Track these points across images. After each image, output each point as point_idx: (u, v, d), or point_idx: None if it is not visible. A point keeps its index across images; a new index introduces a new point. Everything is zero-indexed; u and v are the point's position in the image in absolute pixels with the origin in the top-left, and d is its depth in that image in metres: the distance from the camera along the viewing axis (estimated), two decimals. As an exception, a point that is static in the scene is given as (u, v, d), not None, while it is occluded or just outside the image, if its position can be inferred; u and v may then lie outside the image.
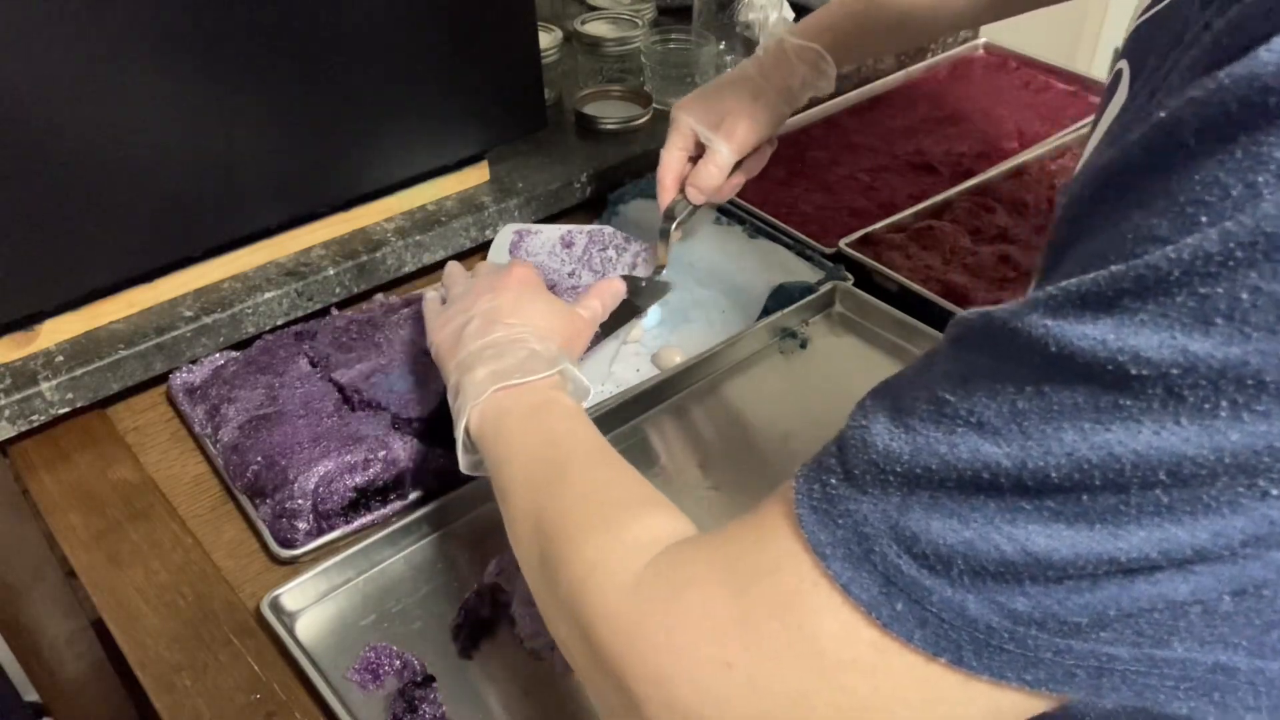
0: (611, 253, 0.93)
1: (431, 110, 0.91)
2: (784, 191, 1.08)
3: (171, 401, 0.84)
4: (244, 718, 0.63)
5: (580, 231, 0.96)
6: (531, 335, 0.65)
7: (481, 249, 1.00)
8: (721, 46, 1.16)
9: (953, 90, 1.26)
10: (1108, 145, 0.40)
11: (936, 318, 0.91)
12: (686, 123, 0.86)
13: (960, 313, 0.37)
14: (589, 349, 0.79)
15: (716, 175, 0.85)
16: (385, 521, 0.73)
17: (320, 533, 0.72)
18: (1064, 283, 0.31)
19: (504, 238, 0.98)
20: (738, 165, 0.87)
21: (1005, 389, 0.32)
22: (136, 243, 0.81)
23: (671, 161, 0.87)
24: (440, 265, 0.94)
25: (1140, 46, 0.43)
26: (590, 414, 0.80)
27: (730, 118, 0.84)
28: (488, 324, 0.66)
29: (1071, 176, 0.49)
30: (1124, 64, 0.44)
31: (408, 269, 0.94)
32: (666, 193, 0.87)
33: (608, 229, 0.95)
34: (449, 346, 0.67)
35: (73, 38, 0.70)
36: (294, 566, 0.71)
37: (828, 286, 0.93)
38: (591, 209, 1.06)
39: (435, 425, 0.75)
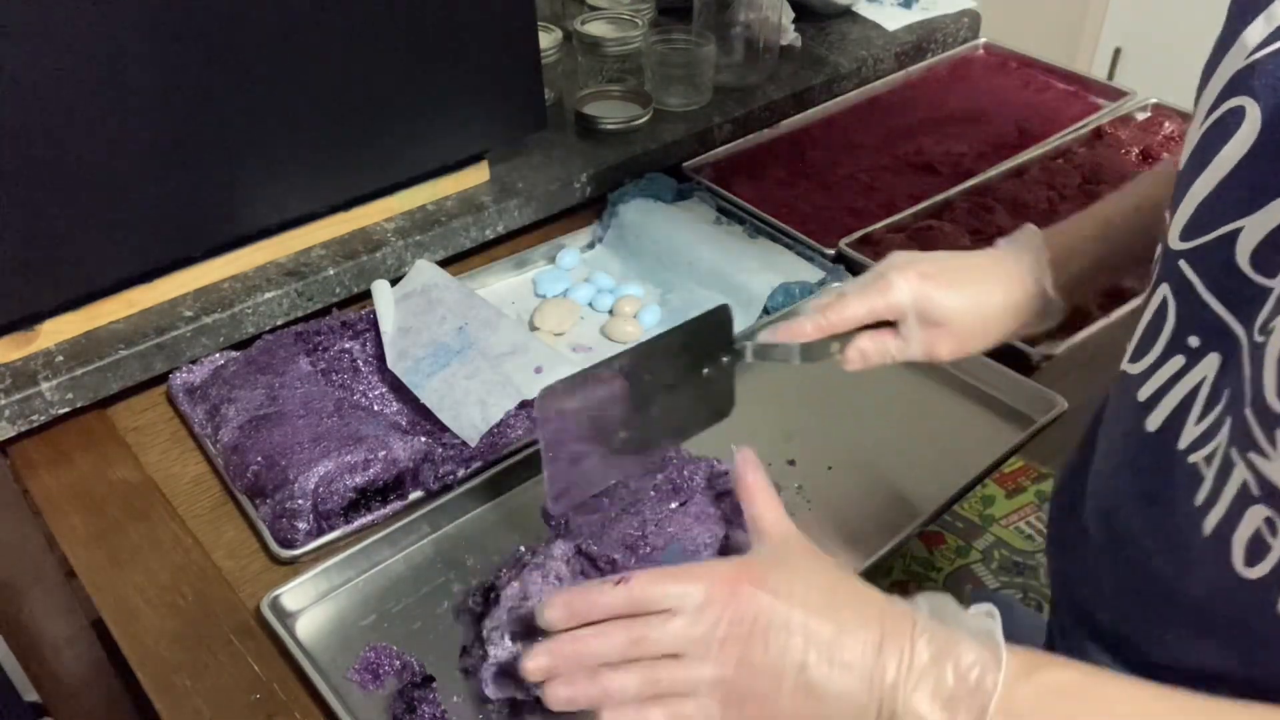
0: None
1: (431, 110, 0.91)
2: (784, 191, 1.08)
3: (171, 401, 0.84)
4: (244, 718, 0.63)
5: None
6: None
7: (482, 249, 1.00)
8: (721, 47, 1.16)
9: (953, 90, 1.26)
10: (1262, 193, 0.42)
11: (936, 318, 0.91)
12: (900, 293, 0.63)
13: None
14: None
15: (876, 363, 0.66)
16: (385, 521, 0.73)
17: (320, 533, 0.72)
18: None
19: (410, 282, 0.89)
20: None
21: None
22: (136, 243, 0.81)
23: (856, 314, 0.64)
24: (440, 265, 0.94)
25: (1272, 83, 0.43)
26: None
27: (953, 326, 0.64)
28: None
29: (1165, 222, 0.47)
30: (1245, 100, 0.44)
31: (408, 269, 0.94)
32: (808, 330, 0.64)
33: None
34: None
35: (73, 38, 0.70)
36: (294, 567, 0.71)
37: (828, 287, 0.93)
38: (591, 209, 1.06)
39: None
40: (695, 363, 0.65)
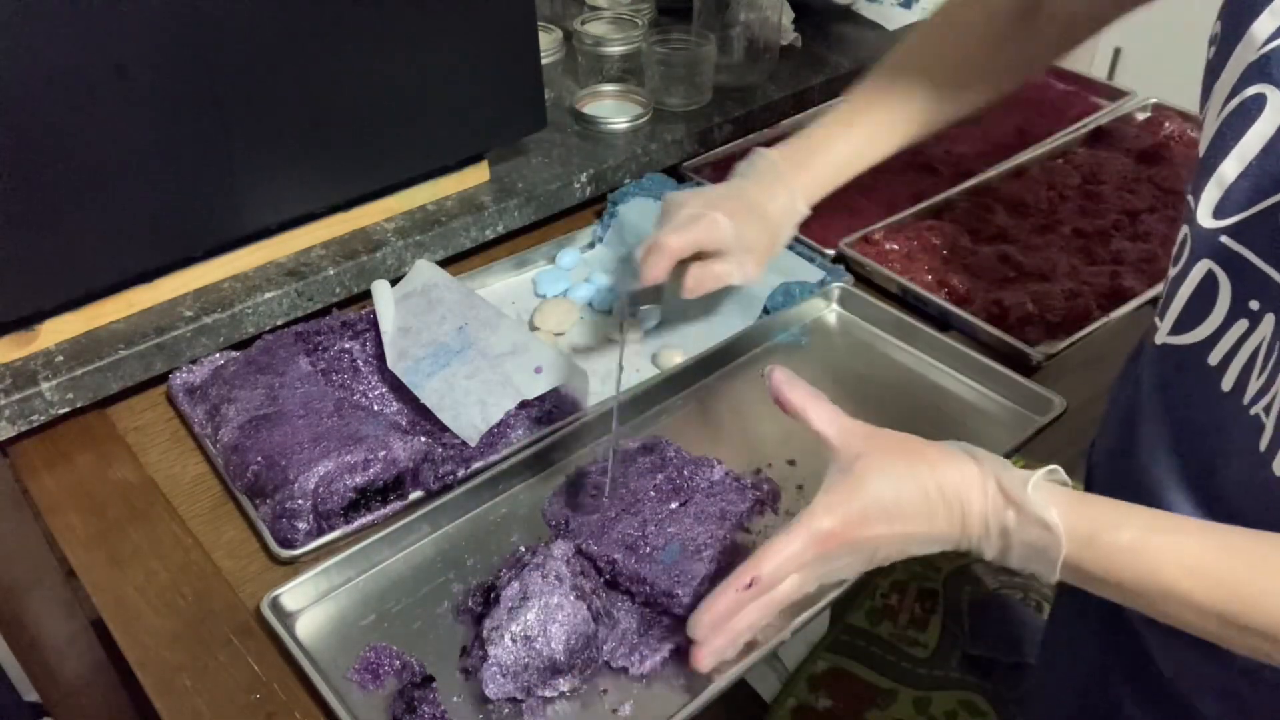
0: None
1: (431, 110, 0.91)
2: (784, 191, 1.08)
3: (171, 401, 0.84)
4: (244, 718, 0.63)
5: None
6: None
7: (482, 249, 1.00)
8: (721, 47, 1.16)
9: (953, 90, 1.26)
10: None
11: (936, 318, 0.91)
12: (724, 227, 0.77)
13: None
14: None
15: (712, 287, 0.79)
16: (385, 521, 0.73)
17: (320, 533, 0.72)
18: None
19: (415, 278, 0.91)
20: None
21: None
22: (136, 243, 0.81)
23: (680, 246, 0.76)
24: (440, 265, 0.94)
25: None
26: (590, 414, 0.80)
27: (757, 250, 0.79)
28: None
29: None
30: (1264, 88, 0.49)
31: (407, 269, 0.94)
32: (657, 269, 0.75)
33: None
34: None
35: (74, 38, 0.70)
36: (294, 566, 0.71)
37: (828, 286, 0.93)
38: (591, 209, 1.06)
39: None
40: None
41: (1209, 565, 0.50)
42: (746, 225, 0.78)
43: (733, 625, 0.59)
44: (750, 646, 0.64)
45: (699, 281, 0.78)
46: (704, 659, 0.59)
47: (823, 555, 0.57)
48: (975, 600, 1.48)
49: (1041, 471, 0.56)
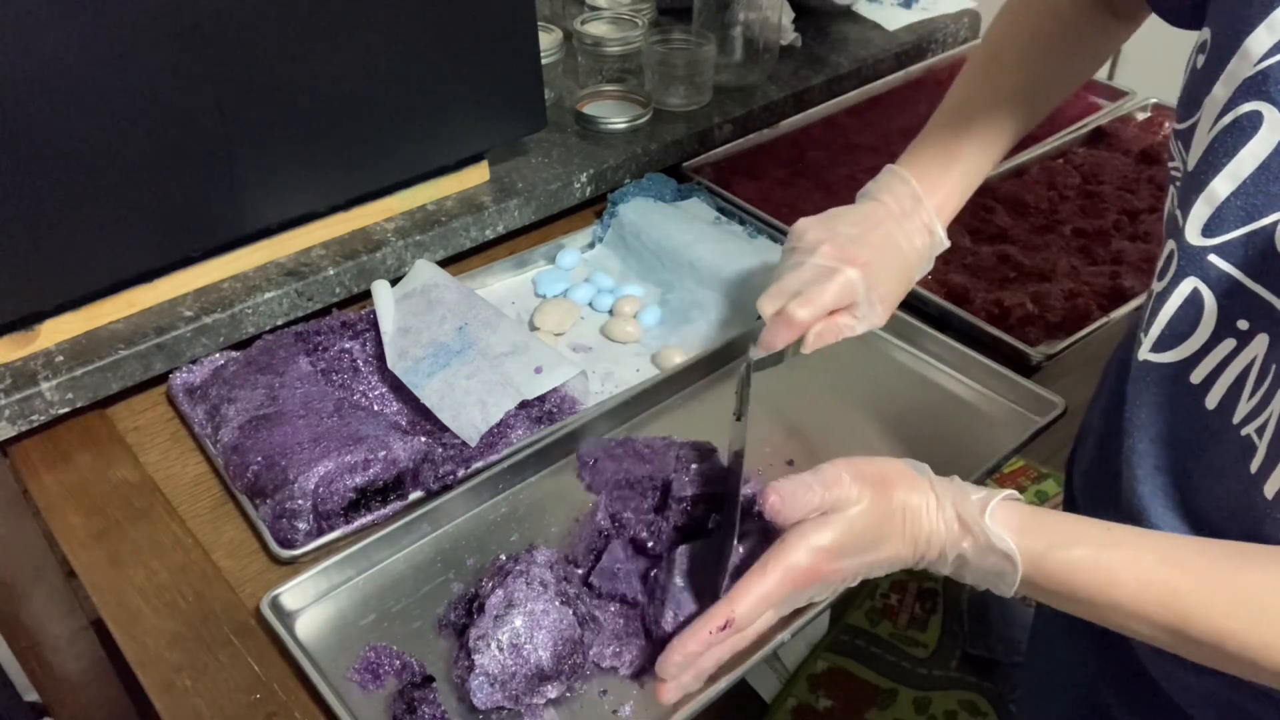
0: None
1: (431, 110, 0.91)
2: (784, 191, 1.08)
3: (171, 401, 0.84)
4: (244, 718, 0.63)
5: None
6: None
7: (482, 249, 1.00)
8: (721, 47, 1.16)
9: (953, 90, 1.26)
10: None
11: (936, 318, 0.91)
12: (855, 284, 0.70)
13: None
14: None
15: (834, 340, 0.72)
16: (385, 521, 0.73)
17: (320, 533, 0.72)
18: None
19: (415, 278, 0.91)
20: None
21: None
22: (136, 243, 0.81)
23: (810, 320, 0.69)
24: (440, 265, 0.94)
25: None
26: (590, 414, 0.80)
27: (888, 297, 0.73)
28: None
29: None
30: (1260, 105, 0.48)
31: (407, 269, 0.94)
32: (782, 340, 0.69)
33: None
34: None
35: (74, 37, 0.70)
36: (294, 566, 0.71)
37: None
38: (591, 209, 1.06)
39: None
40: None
41: (1157, 578, 0.51)
42: (882, 274, 0.71)
43: (701, 663, 0.59)
44: (751, 650, 0.64)
45: (820, 339, 0.71)
46: (669, 694, 0.59)
47: (795, 591, 0.58)
48: (975, 600, 1.48)
49: (999, 496, 0.56)
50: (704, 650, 0.58)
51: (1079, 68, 0.77)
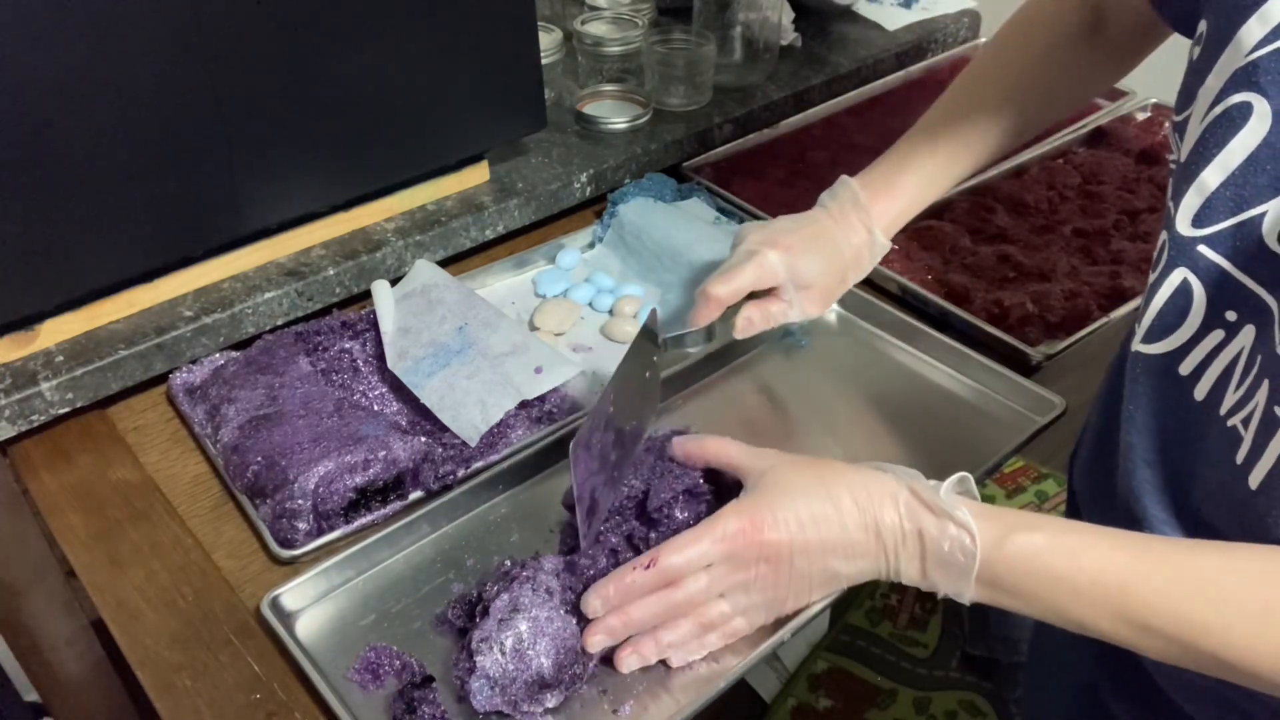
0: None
1: (431, 110, 0.91)
2: (784, 191, 1.08)
3: (171, 401, 0.84)
4: (244, 718, 0.63)
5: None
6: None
7: (482, 249, 1.00)
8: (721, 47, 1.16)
9: (953, 90, 1.26)
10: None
11: (936, 318, 0.91)
12: (774, 265, 0.75)
13: None
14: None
15: (764, 327, 0.77)
16: (385, 521, 0.73)
17: (320, 533, 0.72)
18: None
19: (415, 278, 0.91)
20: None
21: None
22: (136, 243, 0.81)
23: (726, 296, 0.74)
24: (440, 265, 0.94)
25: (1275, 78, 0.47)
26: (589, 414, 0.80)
27: (818, 287, 0.77)
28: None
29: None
30: (1250, 96, 0.48)
31: (407, 269, 0.94)
32: (703, 317, 0.74)
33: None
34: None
35: (74, 37, 0.70)
36: (294, 566, 0.71)
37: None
38: (591, 209, 1.06)
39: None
40: (640, 370, 0.72)
41: (1115, 563, 0.51)
42: (807, 260, 0.75)
43: (630, 611, 0.60)
44: (751, 645, 0.64)
45: (750, 323, 0.76)
46: (593, 637, 0.61)
47: (732, 557, 0.59)
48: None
49: (953, 479, 0.57)
50: (629, 592, 0.60)
51: (1066, 101, 0.81)
